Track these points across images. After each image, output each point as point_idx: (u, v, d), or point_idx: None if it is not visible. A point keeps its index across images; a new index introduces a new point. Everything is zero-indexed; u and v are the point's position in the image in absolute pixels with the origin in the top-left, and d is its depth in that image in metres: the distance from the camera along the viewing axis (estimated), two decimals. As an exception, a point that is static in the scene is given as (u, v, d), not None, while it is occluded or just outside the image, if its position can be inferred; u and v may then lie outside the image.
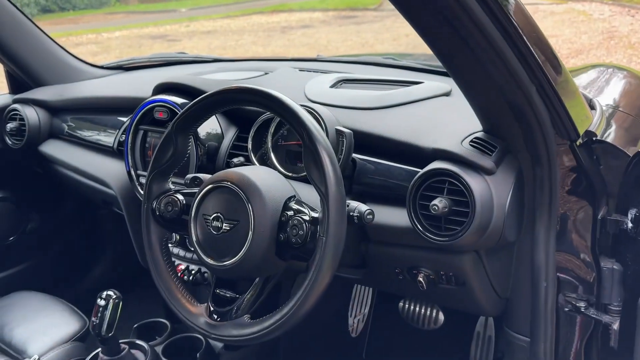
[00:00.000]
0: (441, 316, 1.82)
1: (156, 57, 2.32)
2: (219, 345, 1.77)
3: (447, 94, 1.45)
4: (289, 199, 1.11)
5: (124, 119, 1.82)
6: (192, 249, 1.16)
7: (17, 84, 2.19)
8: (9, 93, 2.21)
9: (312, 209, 1.07)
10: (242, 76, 1.71)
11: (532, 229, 1.22)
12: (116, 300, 1.37)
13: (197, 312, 1.17)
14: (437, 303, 1.51)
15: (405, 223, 1.17)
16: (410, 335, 1.94)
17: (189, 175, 1.32)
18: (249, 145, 1.43)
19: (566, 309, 1.35)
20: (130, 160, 1.64)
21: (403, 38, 9.83)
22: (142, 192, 1.59)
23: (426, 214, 1.12)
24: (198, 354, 1.66)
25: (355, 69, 1.82)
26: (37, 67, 2.12)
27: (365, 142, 1.28)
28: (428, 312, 1.84)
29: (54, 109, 2.08)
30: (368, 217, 1.09)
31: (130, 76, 2.12)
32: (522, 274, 1.29)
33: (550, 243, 1.23)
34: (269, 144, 1.37)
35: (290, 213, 1.07)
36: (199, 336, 1.72)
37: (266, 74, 1.73)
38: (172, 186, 1.28)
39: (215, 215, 1.11)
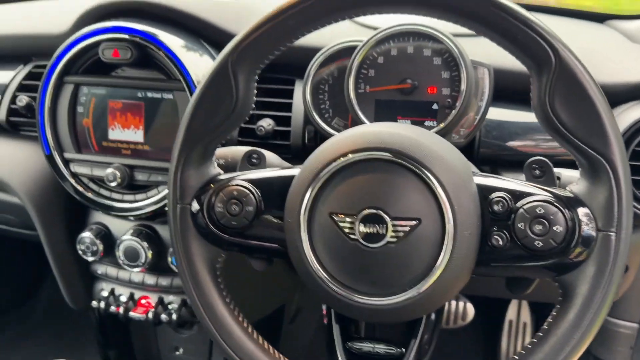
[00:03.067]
0: (471, 309, 1.49)
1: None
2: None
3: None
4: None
5: (6, 74, 1.09)
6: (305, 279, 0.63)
7: None
8: None
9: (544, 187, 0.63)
10: None
11: None
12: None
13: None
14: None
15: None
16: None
17: (242, 148, 0.76)
18: (307, 95, 0.90)
19: None
20: (51, 137, 0.96)
21: None
22: (80, 188, 0.97)
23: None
24: None
25: None
26: None
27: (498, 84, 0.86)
28: (453, 307, 1.49)
29: None
30: None
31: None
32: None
33: None
34: (351, 90, 0.86)
35: (501, 195, 0.61)
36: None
37: None
38: (219, 169, 0.71)
39: (366, 213, 0.60)
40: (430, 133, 0.66)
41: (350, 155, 0.60)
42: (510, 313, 1.51)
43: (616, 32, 1.05)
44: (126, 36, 0.89)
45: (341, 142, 0.63)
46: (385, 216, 0.59)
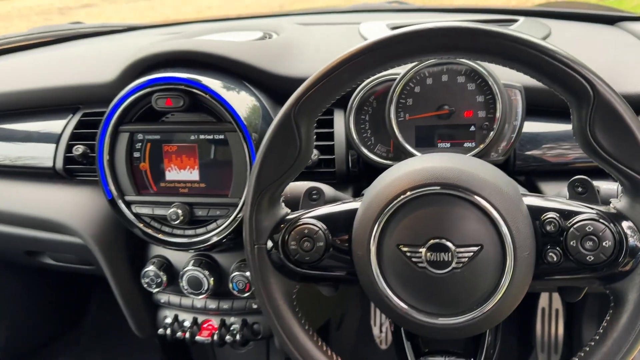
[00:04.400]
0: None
1: (40, 33, 1.59)
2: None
3: (549, 35, 1.15)
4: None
5: (57, 123, 1.16)
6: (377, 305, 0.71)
7: None
8: None
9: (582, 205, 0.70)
10: (245, 38, 1.18)
11: None
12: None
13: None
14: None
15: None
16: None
17: (299, 184, 0.84)
18: (351, 125, 0.96)
19: None
20: (111, 183, 1.03)
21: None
22: (148, 230, 1.04)
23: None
24: None
25: (362, 17, 1.41)
26: None
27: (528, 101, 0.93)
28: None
29: None
30: None
31: (26, 60, 1.39)
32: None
33: None
34: (393, 119, 0.93)
35: (552, 216, 0.68)
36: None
37: (270, 36, 1.23)
38: (287, 209, 0.78)
39: (432, 243, 0.67)
40: (478, 161, 0.72)
41: (409, 193, 0.67)
42: (542, 301, 1.58)
43: (629, 35, 1.11)
44: (178, 86, 0.96)
45: (400, 179, 0.69)
46: (450, 244, 0.66)
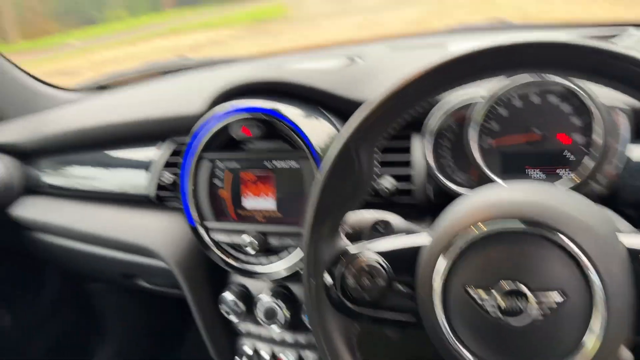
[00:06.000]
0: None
1: (150, 67, 1.70)
2: None
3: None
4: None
5: (149, 153, 1.22)
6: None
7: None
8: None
9: None
10: (327, 65, 1.16)
11: None
12: None
13: None
14: None
15: None
16: None
17: (367, 216, 0.78)
18: (429, 152, 0.90)
19: None
20: (194, 210, 1.05)
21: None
22: (223, 256, 1.03)
23: None
24: None
25: (458, 39, 1.33)
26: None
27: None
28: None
29: (25, 153, 1.41)
30: None
31: (128, 94, 1.49)
32: None
33: None
34: (475, 145, 0.85)
35: None
36: None
37: (353, 61, 1.19)
38: (347, 241, 0.73)
39: (507, 289, 0.57)
40: (565, 192, 0.63)
41: (481, 225, 0.59)
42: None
43: None
44: (256, 115, 0.96)
45: (471, 210, 0.62)
46: (527, 291, 0.56)
